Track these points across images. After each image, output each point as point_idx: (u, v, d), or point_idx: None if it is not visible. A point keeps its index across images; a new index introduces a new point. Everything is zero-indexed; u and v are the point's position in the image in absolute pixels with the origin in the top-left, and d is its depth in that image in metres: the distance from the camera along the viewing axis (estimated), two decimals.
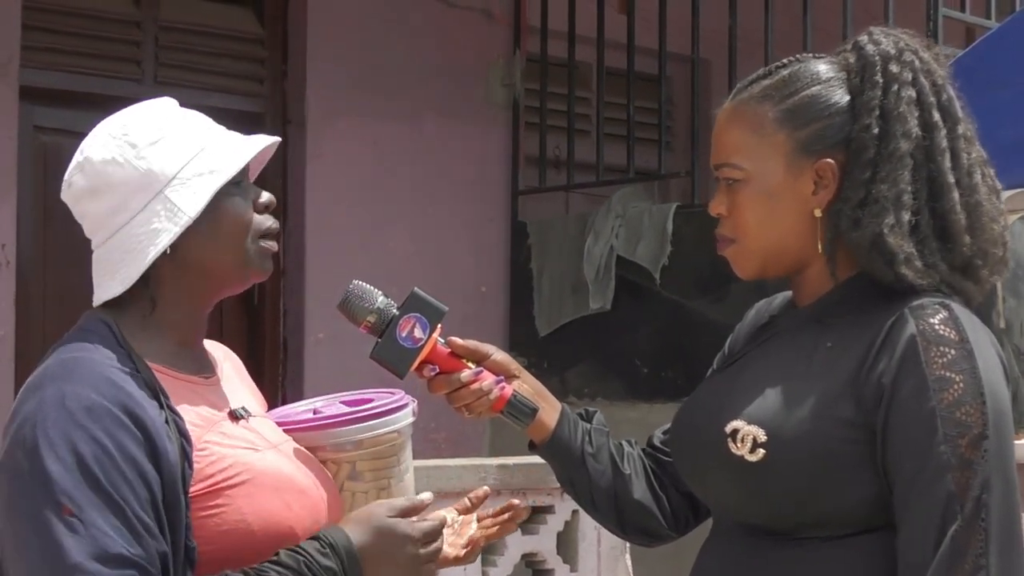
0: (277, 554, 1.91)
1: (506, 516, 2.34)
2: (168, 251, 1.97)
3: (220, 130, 2.07)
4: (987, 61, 4.26)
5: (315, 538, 1.94)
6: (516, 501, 2.34)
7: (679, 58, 6.79)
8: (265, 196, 2.07)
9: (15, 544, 1.87)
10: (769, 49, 6.09)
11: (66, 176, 2.04)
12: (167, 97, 2.09)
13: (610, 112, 6.97)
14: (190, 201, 1.97)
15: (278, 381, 6.48)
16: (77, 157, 2.03)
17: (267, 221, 2.07)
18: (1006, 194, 4.18)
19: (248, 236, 2.04)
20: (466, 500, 2.36)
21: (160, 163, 1.98)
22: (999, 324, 5.99)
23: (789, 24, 6.17)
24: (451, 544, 2.29)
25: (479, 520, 2.34)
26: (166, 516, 1.87)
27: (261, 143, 2.06)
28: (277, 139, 2.11)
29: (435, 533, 2.03)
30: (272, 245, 2.07)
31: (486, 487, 2.39)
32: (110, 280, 1.99)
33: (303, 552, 1.91)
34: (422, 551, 2.00)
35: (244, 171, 2.05)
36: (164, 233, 1.96)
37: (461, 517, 2.35)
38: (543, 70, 7.06)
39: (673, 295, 6.43)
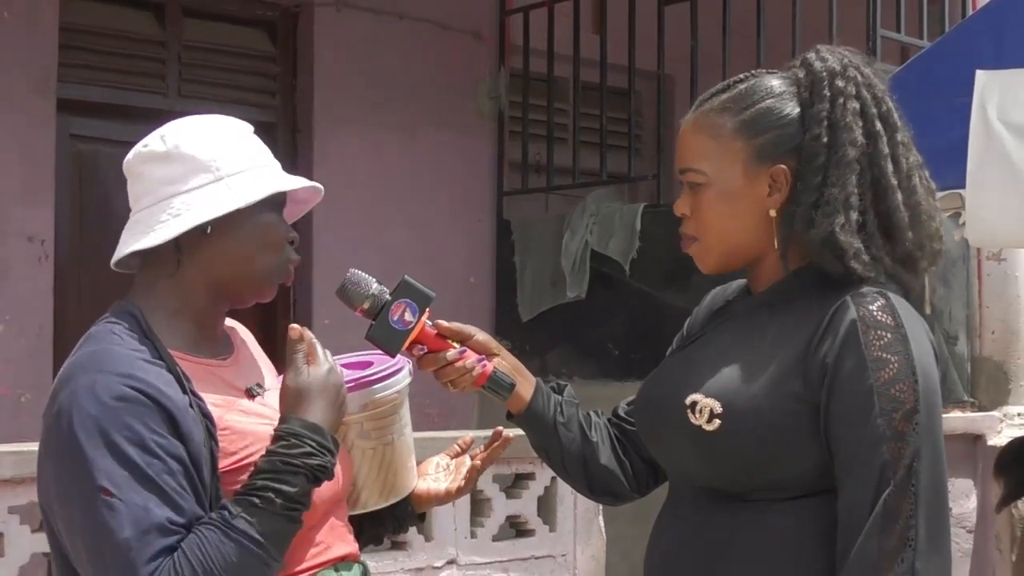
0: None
1: (496, 444, 2.34)
2: (209, 229, 1.95)
3: (278, 164, 2.08)
4: (921, 76, 4.25)
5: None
6: (500, 429, 2.34)
7: (646, 74, 6.79)
8: (294, 233, 2.08)
9: (69, 526, 1.87)
10: (727, 65, 6.09)
11: (141, 142, 2.02)
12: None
13: (585, 122, 6.97)
14: (248, 191, 1.97)
15: None
16: (161, 130, 2.02)
17: (292, 252, 2.07)
18: (938, 195, 4.19)
19: (280, 253, 2.03)
20: (455, 445, 2.38)
21: (229, 158, 1.99)
22: (927, 310, 6.01)
23: (744, 43, 6.17)
24: (453, 480, 2.32)
25: (472, 458, 2.35)
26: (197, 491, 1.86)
27: (310, 183, 2.09)
28: (321, 188, 2.13)
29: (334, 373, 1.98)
30: (291, 272, 2.06)
31: (471, 434, 2.42)
32: (144, 236, 1.95)
33: (275, 453, 1.88)
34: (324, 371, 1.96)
35: (284, 204, 2.07)
36: (214, 207, 1.95)
37: (454, 461, 2.37)
38: (525, 85, 7.06)
39: (641, 285, 6.44)
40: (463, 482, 2.31)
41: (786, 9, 6.12)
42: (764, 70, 2.14)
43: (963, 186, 3.93)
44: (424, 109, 6.90)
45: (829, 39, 5.84)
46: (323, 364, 1.97)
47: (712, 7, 6.30)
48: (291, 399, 1.94)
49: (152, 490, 1.81)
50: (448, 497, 2.31)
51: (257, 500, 1.84)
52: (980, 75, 3.87)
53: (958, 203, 4.22)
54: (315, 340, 2.00)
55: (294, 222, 2.14)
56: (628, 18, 6.68)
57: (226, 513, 1.83)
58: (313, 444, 1.89)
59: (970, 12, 6.15)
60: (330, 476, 1.91)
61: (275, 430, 1.91)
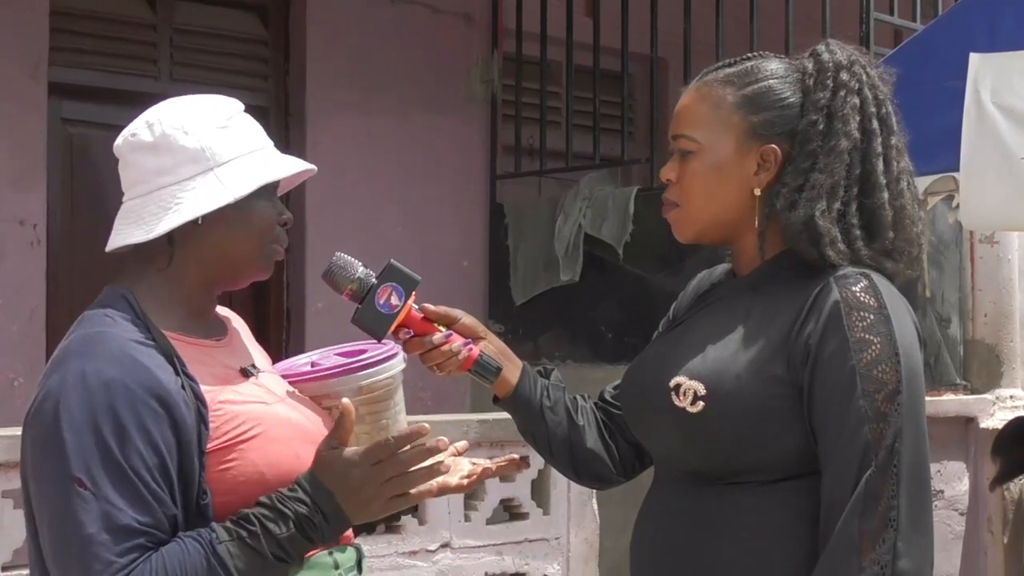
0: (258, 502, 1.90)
1: (505, 462, 2.30)
2: (199, 221, 1.94)
3: (270, 142, 2.06)
4: (914, 59, 4.25)
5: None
6: (516, 456, 2.32)
7: (639, 57, 6.79)
8: (287, 214, 2.07)
9: (39, 512, 1.87)
10: (719, 50, 6.08)
11: (128, 128, 2.00)
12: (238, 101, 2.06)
13: (578, 105, 6.96)
14: (237, 185, 1.95)
15: (282, 345, 6.48)
16: (148, 116, 1.99)
17: (283, 233, 2.06)
18: (931, 178, 4.20)
19: (268, 238, 2.03)
20: (452, 447, 2.35)
21: (220, 146, 1.96)
22: (924, 294, 6.01)
23: (737, 26, 6.16)
24: (451, 474, 2.26)
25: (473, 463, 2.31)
26: (181, 477, 1.86)
27: (303, 164, 2.07)
28: (313, 168, 2.10)
29: (379, 450, 1.92)
30: (280, 252, 2.06)
31: (466, 442, 2.38)
32: (136, 228, 1.95)
33: (276, 493, 1.89)
34: (371, 468, 1.90)
35: (276, 184, 2.05)
36: (205, 202, 1.93)
37: (452, 459, 2.32)
38: (518, 68, 7.05)
39: (634, 269, 6.44)
40: (465, 482, 2.27)
41: None
42: (771, 53, 2.18)
43: (956, 169, 3.94)
44: (417, 93, 6.89)
45: (823, 23, 5.84)
46: (355, 454, 1.91)
47: None
48: (319, 462, 1.92)
49: (126, 488, 1.81)
50: (446, 490, 2.26)
51: (245, 534, 1.85)
52: (974, 58, 3.88)
53: (952, 186, 4.22)
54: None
55: (290, 202, 2.12)
56: (621, 1, 6.67)
57: (214, 536, 1.84)
58: (307, 496, 1.88)
59: None
60: (320, 536, 1.89)
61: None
